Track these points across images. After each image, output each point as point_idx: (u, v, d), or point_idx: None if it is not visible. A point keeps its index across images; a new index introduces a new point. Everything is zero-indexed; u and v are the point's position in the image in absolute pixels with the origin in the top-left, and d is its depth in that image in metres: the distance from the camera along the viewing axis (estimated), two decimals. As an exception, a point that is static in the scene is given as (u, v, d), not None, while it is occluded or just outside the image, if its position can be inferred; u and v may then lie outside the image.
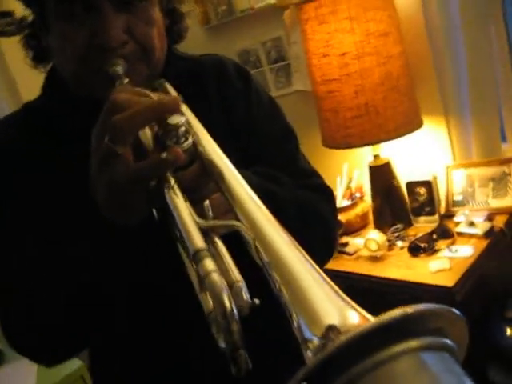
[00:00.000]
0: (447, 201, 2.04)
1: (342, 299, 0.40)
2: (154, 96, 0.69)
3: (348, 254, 2.03)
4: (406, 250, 1.91)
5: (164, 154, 0.62)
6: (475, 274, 1.74)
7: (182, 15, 0.99)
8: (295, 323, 0.40)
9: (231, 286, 0.49)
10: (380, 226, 2.07)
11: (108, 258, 0.74)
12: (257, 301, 0.48)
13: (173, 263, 0.66)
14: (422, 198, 2.02)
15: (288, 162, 1.02)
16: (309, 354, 0.37)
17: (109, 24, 0.79)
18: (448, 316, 0.36)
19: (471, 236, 1.86)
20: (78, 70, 0.83)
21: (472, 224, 1.88)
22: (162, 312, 0.89)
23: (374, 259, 1.93)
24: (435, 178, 2.02)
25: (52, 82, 0.94)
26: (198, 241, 0.53)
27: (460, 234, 1.89)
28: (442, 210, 2.05)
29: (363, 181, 2.24)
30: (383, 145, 2.03)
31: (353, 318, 0.38)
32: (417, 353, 0.34)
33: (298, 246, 0.47)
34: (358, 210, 2.17)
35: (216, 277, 0.48)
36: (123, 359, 0.97)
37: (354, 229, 2.15)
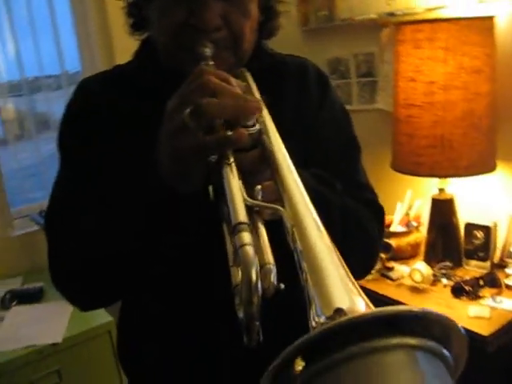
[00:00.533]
0: (503, 250, 2.00)
1: (357, 291, 0.43)
2: (234, 82, 0.73)
3: (391, 279, 2.02)
4: (449, 288, 1.88)
5: (229, 133, 0.66)
6: (514, 330, 1.70)
7: (278, 14, 1.02)
8: (312, 305, 0.43)
9: (262, 266, 0.52)
10: (429, 259, 2.05)
11: (156, 218, 0.78)
12: (282, 285, 0.51)
13: (214, 238, 0.70)
14: (477, 242, 1.99)
15: (346, 171, 1.04)
16: (313, 324, 0.41)
17: (207, 7, 0.84)
18: (453, 329, 0.38)
19: (519, 291, 1.82)
20: (169, 44, 0.88)
21: (523, 280, 1.84)
22: (193, 283, 0.93)
23: (415, 290, 1.92)
24: (495, 225, 1.98)
25: (145, 50, 1.00)
26: (242, 215, 0.56)
27: (508, 287, 1.85)
28: (496, 259, 2.00)
29: (423, 211, 2.21)
30: (450, 180, 2.01)
31: (360, 306, 0.41)
32: (412, 350, 0.37)
33: (329, 241, 0.50)
34: (411, 238, 2.15)
35: (250, 249, 0.51)
36: (150, 325, 1.02)
37: (403, 256, 2.13)
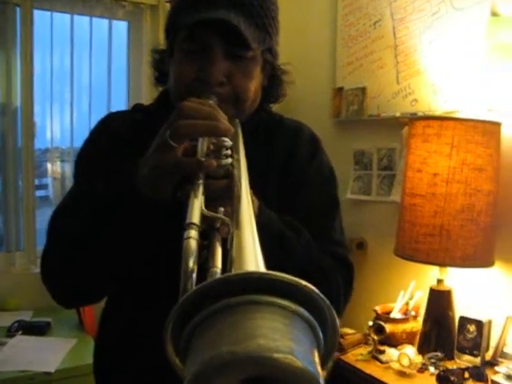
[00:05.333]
0: (496, 349, 2.00)
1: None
2: (215, 105, 0.88)
3: (380, 361, 2.05)
4: (435, 376, 1.89)
5: (202, 159, 0.80)
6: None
7: (282, 82, 1.18)
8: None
9: (210, 268, 0.61)
10: (422, 349, 2.07)
11: (124, 220, 0.91)
12: None
13: (173, 247, 0.81)
14: (471, 336, 2.01)
15: (322, 227, 1.12)
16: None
17: (214, 65, 1.01)
18: (333, 320, 0.49)
19: (504, 388, 1.82)
20: (182, 95, 1.04)
21: (510, 378, 1.84)
22: (164, 287, 1.03)
23: (401, 374, 1.93)
24: (490, 323, 2.01)
25: (161, 99, 1.18)
26: (195, 218, 0.66)
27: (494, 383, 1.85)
28: (488, 357, 2.01)
29: (422, 302, 2.25)
30: (450, 272, 2.07)
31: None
32: (291, 313, 0.46)
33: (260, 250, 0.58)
34: (407, 327, 2.18)
35: (193, 243, 0.60)
36: (125, 337, 1.10)
37: (397, 343, 2.15)
